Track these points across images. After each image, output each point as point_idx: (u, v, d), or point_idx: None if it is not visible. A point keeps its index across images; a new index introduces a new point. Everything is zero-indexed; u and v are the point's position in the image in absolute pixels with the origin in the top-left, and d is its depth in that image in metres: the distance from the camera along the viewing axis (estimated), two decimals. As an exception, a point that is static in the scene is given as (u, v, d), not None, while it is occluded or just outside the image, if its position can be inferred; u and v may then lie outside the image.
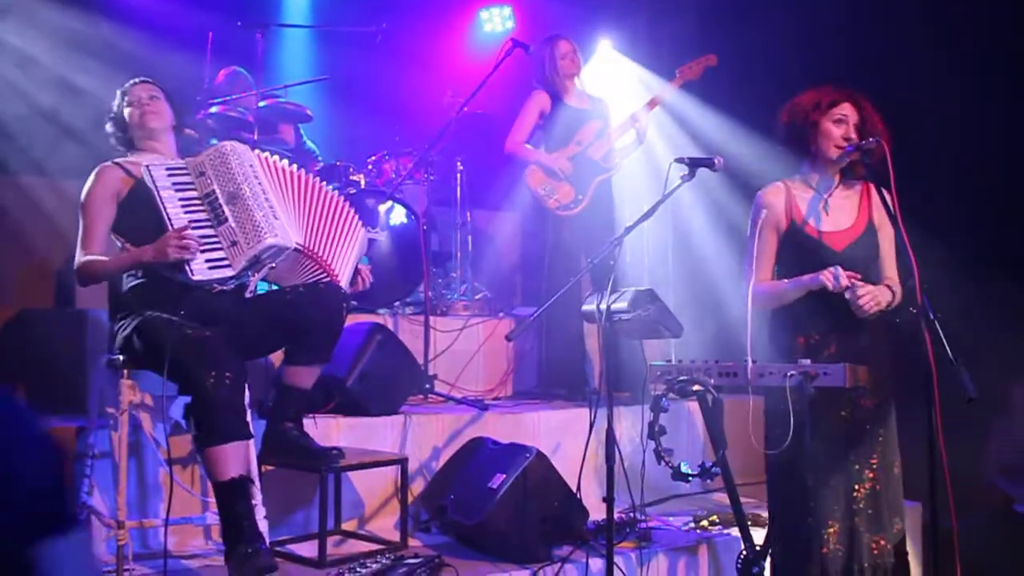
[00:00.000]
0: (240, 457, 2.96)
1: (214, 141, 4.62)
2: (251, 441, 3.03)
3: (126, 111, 3.42)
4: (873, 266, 3.20)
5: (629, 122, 5.13)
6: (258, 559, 2.84)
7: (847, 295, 3.03)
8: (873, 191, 3.23)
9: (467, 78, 5.35)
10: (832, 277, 3.03)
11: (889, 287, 3.15)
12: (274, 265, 3.22)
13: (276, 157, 3.45)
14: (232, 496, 2.93)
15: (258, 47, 5.50)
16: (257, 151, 3.41)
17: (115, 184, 3.27)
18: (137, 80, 3.51)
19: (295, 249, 3.22)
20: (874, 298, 3.03)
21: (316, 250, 3.29)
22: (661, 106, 5.26)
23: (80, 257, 3.21)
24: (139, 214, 3.20)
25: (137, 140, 3.42)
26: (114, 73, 5.54)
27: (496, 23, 7.56)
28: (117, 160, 3.36)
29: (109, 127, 3.47)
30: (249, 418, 3.28)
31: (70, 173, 5.36)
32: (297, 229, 3.28)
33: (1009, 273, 4.94)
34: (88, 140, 5.44)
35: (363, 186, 5.51)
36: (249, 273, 3.21)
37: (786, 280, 3.18)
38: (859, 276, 3.07)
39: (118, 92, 3.49)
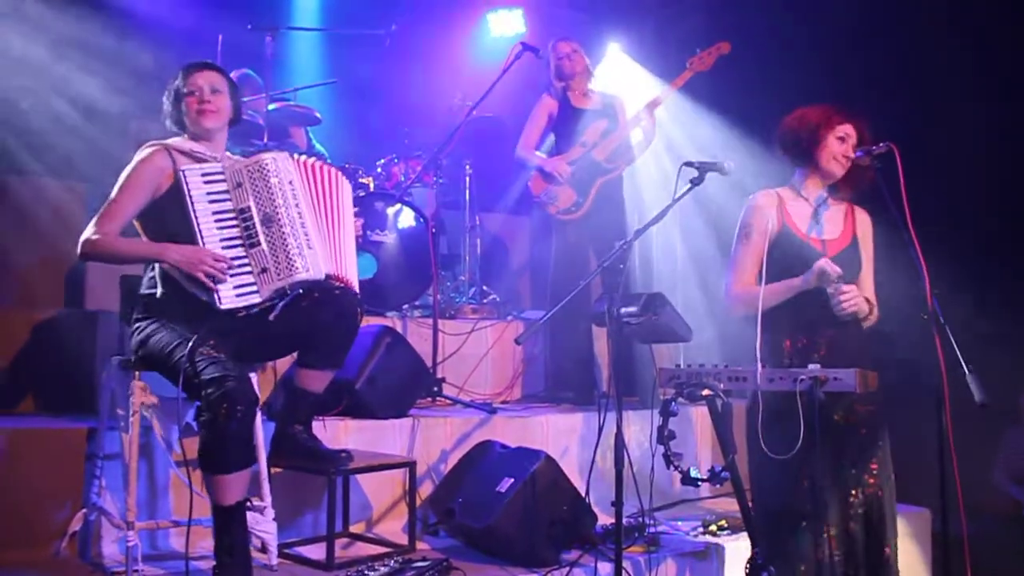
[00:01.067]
0: (242, 483, 2.98)
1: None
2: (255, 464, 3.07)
3: (185, 98, 3.22)
4: (855, 280, 3.22)
5: (634, 120, 5.12)
6: None
7: (829, 290, 3.06)
8: (857, 211, 3.33)
9: (476, 81, 5.35)
10: (827, 263, 3.06)
11: (868, 300, 3.19)
12: (301, 291, 3.18)
13: (317, 166, 3.31)
14: (229, 520, 2.96)
15: (267, 50, 5.51)
16: (298, 157, 3.29)
17: (160, 173, 3.12)
18: (201, 63, 3.28)
19: (323, 278, 3.18)
20: (855, 299, 3.07)
21: (340, 273, 3.25)
22: (672, 103, 5.22)
23: (92, 231, 3.05)
24: (171, 213, 3.08)
25: (188, 128, 3.25)
26: (124, 75, 5.60)
27: (506, 26, 7.56)
28: (169, 144, 3.19)
29: (167, 104, 3.26)
30: (259, 421, 3.30)
31: (80, 175, 5.39)
32: (327, 256, 3.21)
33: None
34: (97, 141, 5.47)
35: (372, 189, 5.52)
36: (275, 300, 3.13)
37: (779, 283, 3.16)
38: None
39: (180, 71, 3.27)
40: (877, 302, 3.24)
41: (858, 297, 3.09)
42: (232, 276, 3.03)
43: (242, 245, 3.08)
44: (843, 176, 3.24)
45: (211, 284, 2.99)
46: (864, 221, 3.31)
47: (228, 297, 3.01)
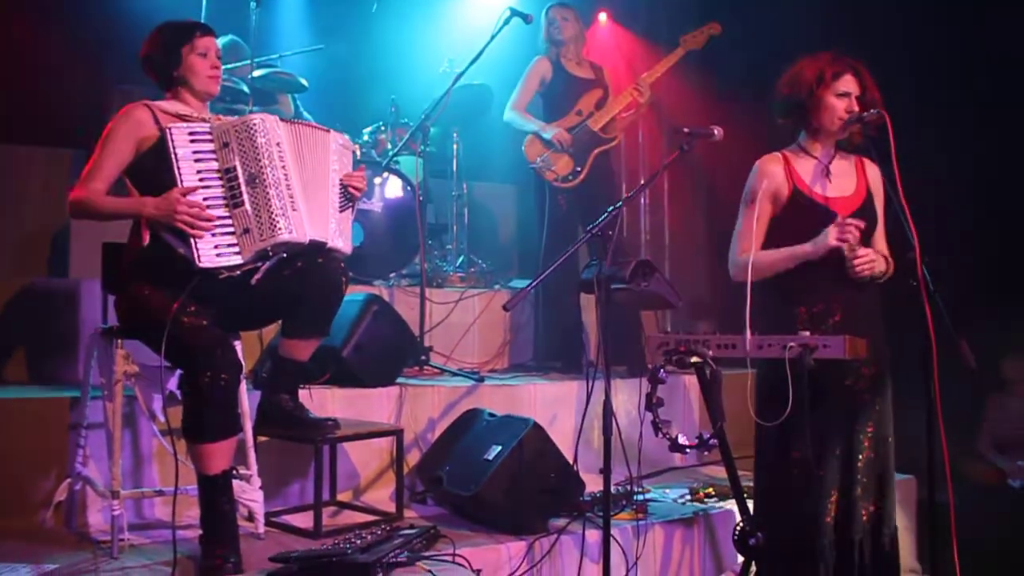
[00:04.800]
0: (227, 452, 2.96)
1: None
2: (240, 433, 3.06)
3: (191, 58, 3.16)
4: (871, 236, 3.17)
5: (627, 95, 5.09)
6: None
7: (846, 252, 3.01)
8: (867, 163, 3.23)
9: (464, 48, 5.28)
10: (840, 229, 2.99)
11: (885, 258, 3.13)
12: (284, 255, 3.13)
13: (302, 128, 3.25)
14: (215, 490, 2.95)
15: (253, 16, 5.43)
16: (289, 121, 3.22)
17: (142, 129, 3.08)
18: (208, 27, 3.23)
19: (308, 243, 3.13)
20: (871, 260, 3.02)
21: (327, 238, 3.20)
22: (664, 75, 5.20)
23: (78, 190, 3.03)
24: (157, 170, 3.03)
25: (182, 87, 3.20)
26: (107, 40, 5.52)
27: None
28: (149, 103, 3.14)
29: (157, 55, 3.17)
30: (243, 389, 3.28)
31: (64, 141, 5.33)
32: (314, 220, 3.15)
33: (1005, 245, 4.94)
34: (80, 107, 5.40)
35: (359, 157, 5.46)
36: (257, 263, 3.09)
37: (784, 249, 3.13)
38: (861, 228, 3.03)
39: (185, 25, 3.20)
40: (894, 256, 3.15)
41: (875, 259, 3.03)
42: (214, 236, 2.99)
43: (226, 205, 3.03)
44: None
45: (190, 231, 2.94)
46: (875, 174, 3.19)
47: (208, 256, 2.97)
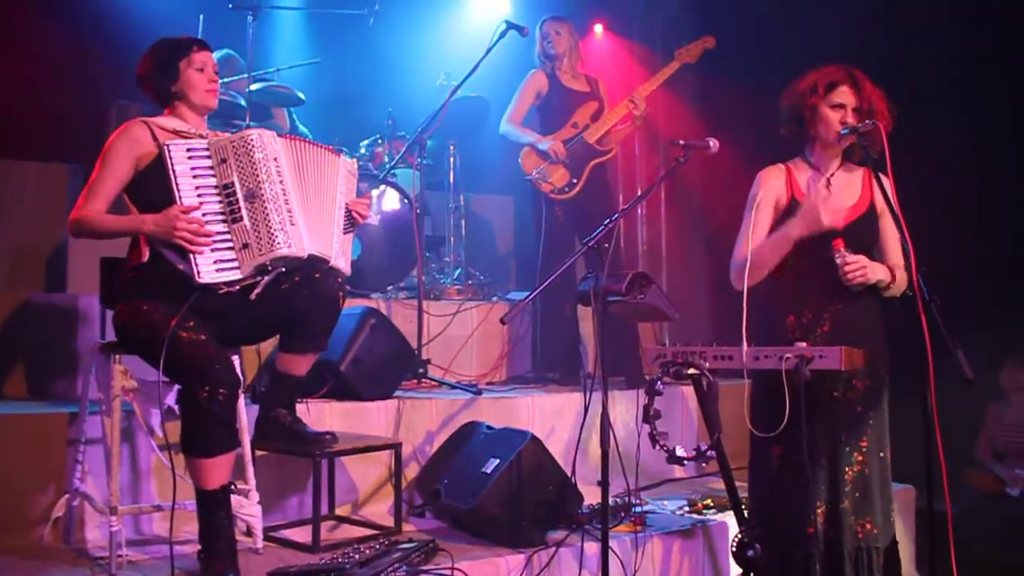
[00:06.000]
0: (225, 467, 2.96)
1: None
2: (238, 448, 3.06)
3: (189, 72, 3.16)
4: (874, 249, 3.18)
5: (622, 108, 5.10)
6: None
7: (836, 259, 3.02)
8: (874, 176, 3.23)
9: (460, 61, 5.30)
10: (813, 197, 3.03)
11: (890, 269, 3.12)
12: (284, 269, 3.14)
13: (303, 144, 3.25)
14: (213, 504, 2.95)
15: (249, 30, 5.45)
16: (286, 136, 3.24)
17: (140, 146, 3.08)
18: (204, 42, 3.23)
19: (307, 257, 3.14)
20: (861, 267, 3.01)
21: (326, 253, 3.21)
22: (659, 88, 5.23)
23: (79, 210, 3.05)
24: (155, 187, 3.03)
25: (180, 102, 3.20)
26: (104, 54, 5.53)
27: (490, 5, 7.49)
28: (147, 119, 3.14)
29: (154, 71, 3.17)
30: (242, 404, 3.27)
31: (60, 156, 5.33)
32: (313, 235, 3.16)
33: (1005, 252, 4.94)
34: (77, 123, 5.40)
35: (355, 170, 5.46)
36: (256, 277, 3.09)
37: (771, 237, 3.13)
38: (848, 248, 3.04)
39: (181, 41, 3.20)
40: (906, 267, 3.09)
41: (865, 265, 3.02)
42: (213, 251, 2.99)
43: (224, 220, 3.03)
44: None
45: (190, 247, 2.94)
46: (884, 186, 3.13)
47: (208, 272, 2.97)
